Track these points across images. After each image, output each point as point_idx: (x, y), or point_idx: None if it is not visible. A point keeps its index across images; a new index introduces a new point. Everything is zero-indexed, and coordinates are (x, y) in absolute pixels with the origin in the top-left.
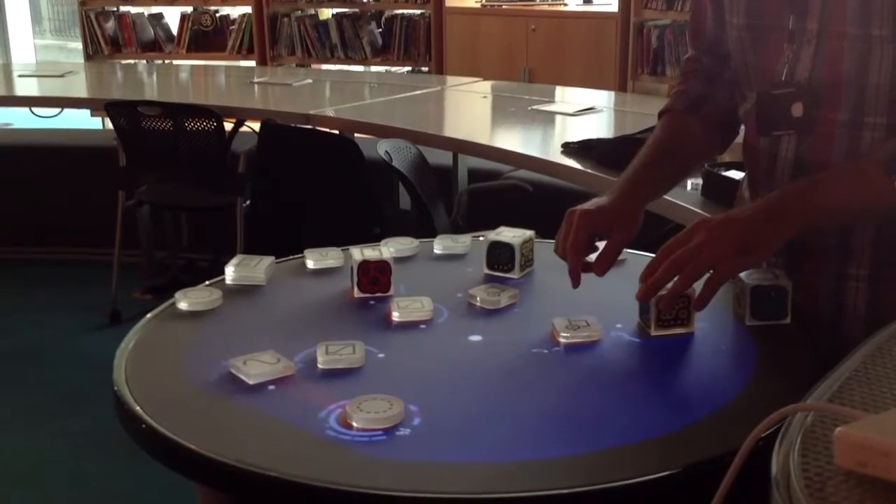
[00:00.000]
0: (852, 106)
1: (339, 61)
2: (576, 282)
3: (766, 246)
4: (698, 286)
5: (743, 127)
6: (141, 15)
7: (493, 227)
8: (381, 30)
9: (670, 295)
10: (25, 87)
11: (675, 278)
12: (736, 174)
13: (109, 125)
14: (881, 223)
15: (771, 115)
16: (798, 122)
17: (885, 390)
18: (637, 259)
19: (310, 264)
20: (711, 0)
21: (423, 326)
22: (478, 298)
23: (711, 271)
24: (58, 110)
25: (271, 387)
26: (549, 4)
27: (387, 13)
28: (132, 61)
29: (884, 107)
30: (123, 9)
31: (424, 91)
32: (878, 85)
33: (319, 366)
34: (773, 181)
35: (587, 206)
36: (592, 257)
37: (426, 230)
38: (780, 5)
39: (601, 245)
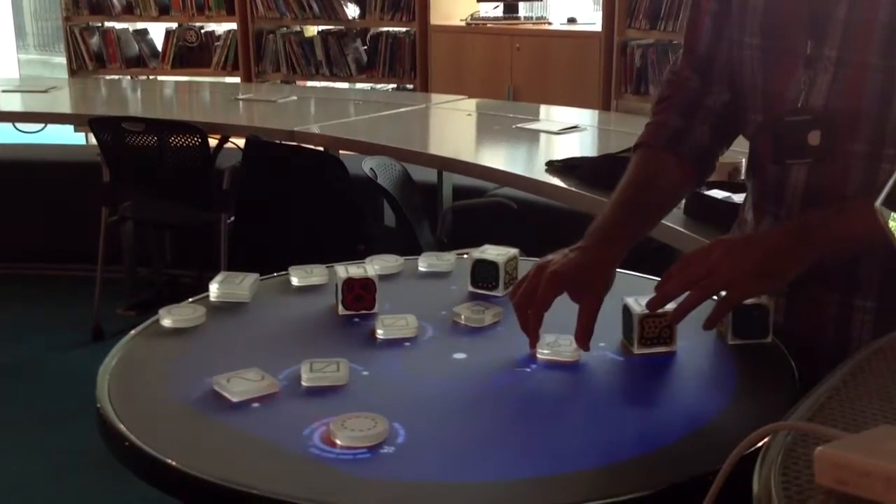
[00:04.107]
0: (871, 137)
1: (325, 78)
2: (534, 340)
3: (787, 271)
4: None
5: (748, 150)
6: (126, 31)
7: (478, 244)
8: (366, 47)
9: (680, 310)
10: (8, 103)
11: (687, 293)
12: (718, 193)
13: (93, 141)
14: (892, 255)
15: (786, 142)
16: (815, 150)
17: (865, 409)
18: (620, 278)
19: (294, 281)
20: (713, 16)
21: (407, 344)
22: (462, 316)
23: (724, 292)
24: (41, 126)
25: (255, 404)
26: (533, 23)
27: (372, 31)
28: (116, 77)
29: None
30: (108, 24)
31: (409, 108)
32: None
33: (304, 383)
34: (781, 208)
35: (559, 266)
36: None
37: (411, 247)
38: (797, 28)
39: None
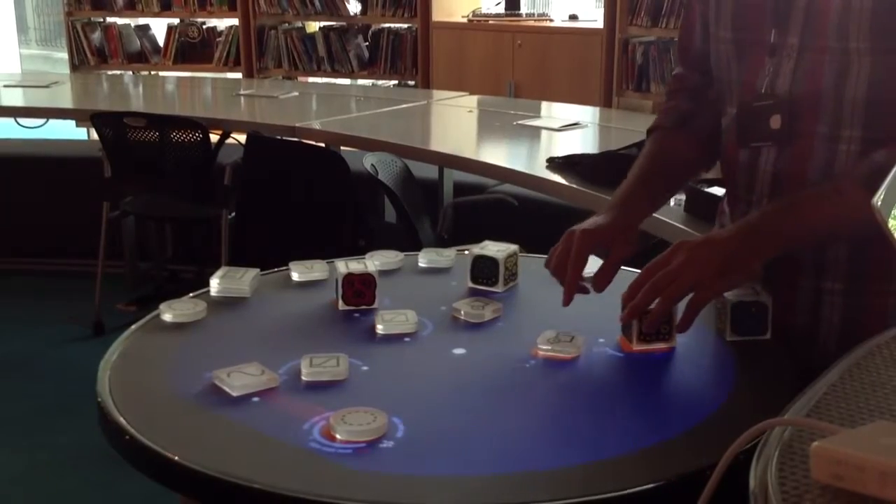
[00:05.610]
0: (830, 119)
1: (326, 74)
2: (569, 299)
3: (746, 267)
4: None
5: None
6: (127, 26)
7: (478, 240)
8: (367, 43)
9: (652, 318)
10: (10, 97)
11: (657, 300)
12: (718, 190)
13: (95, 136)
14: (857, 239)
15: (750, 126)
16: (776, 133)
17: (862, 405)
18: (621, 274)
19: (295, 277)
20: (700, 14)
21: (407, 339)
22: (462, 312)
23: (692, 293)
24: (43, 121)
25: (255, 399)
26: (535, 20)
27: (374, 27)
28: (118, 72)
29: (860, 120)
30: (110, 19)
31: (410, 105)
32: (854, 98)
33: (303, 378)
34: (752, 194)
35: (586, 225)
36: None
37: (411, 243)
38: (762, 19)
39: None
